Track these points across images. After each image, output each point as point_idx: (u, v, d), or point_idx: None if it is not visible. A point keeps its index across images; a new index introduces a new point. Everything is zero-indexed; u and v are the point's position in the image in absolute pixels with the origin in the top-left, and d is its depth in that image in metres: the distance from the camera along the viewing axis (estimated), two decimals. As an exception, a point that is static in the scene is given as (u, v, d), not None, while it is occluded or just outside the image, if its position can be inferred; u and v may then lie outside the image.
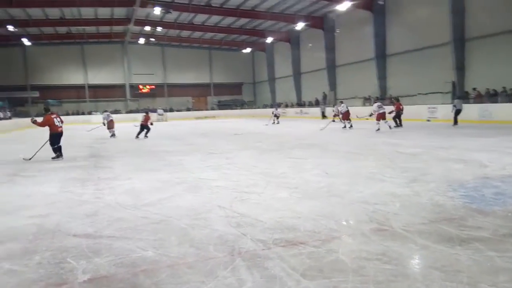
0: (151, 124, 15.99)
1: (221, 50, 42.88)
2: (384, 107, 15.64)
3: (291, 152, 9.80)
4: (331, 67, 30.63)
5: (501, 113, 15.71)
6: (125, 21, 31.89)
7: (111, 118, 17.23)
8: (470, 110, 16.93)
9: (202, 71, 43.59)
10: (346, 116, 17.16)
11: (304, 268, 2.89)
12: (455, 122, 15.48)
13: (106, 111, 23.60)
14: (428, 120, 19.24)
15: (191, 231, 3.81)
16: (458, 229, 3.63)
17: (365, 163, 7.53)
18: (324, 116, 26.87)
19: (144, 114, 16.19)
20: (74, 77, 39.40)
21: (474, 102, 18.06)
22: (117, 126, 17.45)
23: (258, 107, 41.45)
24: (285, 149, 10.40)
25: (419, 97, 21.60)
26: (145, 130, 15.64)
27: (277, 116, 23.80)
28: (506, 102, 16.54)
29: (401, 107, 16.04)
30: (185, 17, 31.37)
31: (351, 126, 16.92)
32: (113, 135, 16.53)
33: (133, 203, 5.00)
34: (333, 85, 30.81)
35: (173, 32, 36.54)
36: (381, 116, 15.02)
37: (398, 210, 4.32)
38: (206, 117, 36.64)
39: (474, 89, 18.85)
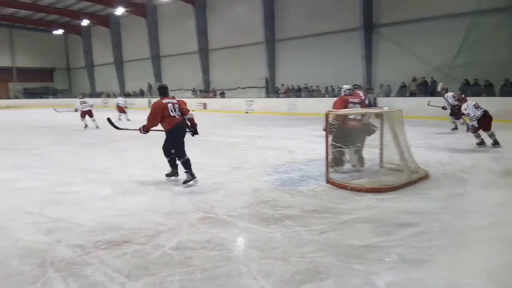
0: None
1: (26, 30, 36.51)
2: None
3: (115, 145, 9.18)
4: (156, 57, 29.94)
5: (304, 106, 18.40)
6: None
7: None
8: (281, 104, 19.43)
9: (1, 53, 36.42)
10: None
11: (129, 268, 2.75)
12: None
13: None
14: (247, 112, 20.99)
15: (-15, 246, 3.14)
16: (273, 209, 4.07)
17: (193, 154, 7.65)
18: None
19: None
20: None
21: (283, 97, 20.60)
22: None
23: (75, 96, 37.27)
24: (108, 142, 9.68)
25: (238, 90, 23.34)
26: None
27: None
28: (308, 97, 19.48)
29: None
30: (-27, -16, 25.49)
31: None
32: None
33: None
34: (158, 75, 30.23)
35: (-46, 2, 29.24)
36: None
37: (222, 197, 4.56)
38: (8, 107, 30.81)
39: (283, 85, 21.53)
